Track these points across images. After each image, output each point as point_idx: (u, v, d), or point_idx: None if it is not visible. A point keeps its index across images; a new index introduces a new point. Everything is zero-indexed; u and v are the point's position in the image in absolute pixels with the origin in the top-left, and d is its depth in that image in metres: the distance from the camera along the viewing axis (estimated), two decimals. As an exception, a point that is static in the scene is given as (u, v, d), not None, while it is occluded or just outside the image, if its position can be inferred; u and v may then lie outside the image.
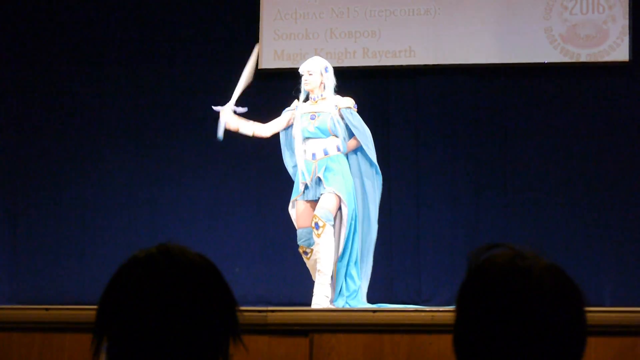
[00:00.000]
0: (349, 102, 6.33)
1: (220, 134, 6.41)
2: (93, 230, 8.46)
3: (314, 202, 6.22)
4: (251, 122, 6.48)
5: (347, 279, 6.20)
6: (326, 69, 6.36)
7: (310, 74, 6.32)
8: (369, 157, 6.32)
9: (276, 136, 6.61)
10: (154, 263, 1.50)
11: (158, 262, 1.50)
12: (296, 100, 6.44)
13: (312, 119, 6.27)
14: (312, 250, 6.21)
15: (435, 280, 8.09)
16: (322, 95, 6.32)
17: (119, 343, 1.48)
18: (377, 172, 6.37)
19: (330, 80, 6.35)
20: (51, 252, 8.44)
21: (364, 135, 6.31)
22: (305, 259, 6.32)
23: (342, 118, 6.30)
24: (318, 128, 6.24)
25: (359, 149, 6.37)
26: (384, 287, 7.84)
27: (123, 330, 1.48)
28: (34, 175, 8.59)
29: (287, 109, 6.47)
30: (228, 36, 8.61)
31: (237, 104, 6.49)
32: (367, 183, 6.35)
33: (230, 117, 6.43)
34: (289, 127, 6.45)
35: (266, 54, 8.49)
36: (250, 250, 8.32)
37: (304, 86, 6.34)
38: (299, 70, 6.40)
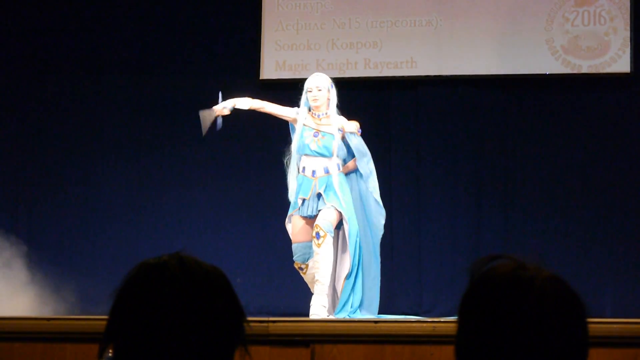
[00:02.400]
0: (354, 126, 6.29)
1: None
2: (93, 241, 8.46)
3: (310, 219, 6.22)
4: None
5: (352, 294, 6.20)
6: (332, 86, 6.34)
7: (319, 90, 6.27)
8: (372, 191, 6.31)
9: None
10: (167, 270, 1.51)
11: (171, 270, 1.51)
12: (299, 107, 6.36)
13: (316, 136, 6.24)
14: (307, 265, 6.23)
15: (436, 291, 8.09)
16: (326, 113, 6.29)
17: (127, 349, 1.49)
18: (380, 206, 6.33)
19: (334, 98, 6.32)
20: (53, 262, 8.44)
21: (363, 159, 6.29)
22: (302, 274, 6.33)
23: (343, 139, 6.29)
24: (323, 148, 6.22)
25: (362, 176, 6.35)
26: (386, 298, 7.81)
27: (132, 336, 1.48)
28: (34, 184, 8.59)
29: (293, 110, 6.36)
30: (230, 46, 8.63)
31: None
32: (369, 208, 6.33)
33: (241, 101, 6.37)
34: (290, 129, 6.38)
35: (268, 65, 8.50)
36: (252, 260, 8.32)
37: (312, 102, 6.26)
38: (306, 85, 6.31)
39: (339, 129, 6.25)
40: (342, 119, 6.30)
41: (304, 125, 6.27)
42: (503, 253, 1.48)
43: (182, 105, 8.62)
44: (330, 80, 6.34)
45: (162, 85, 8.63)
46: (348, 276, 6.18)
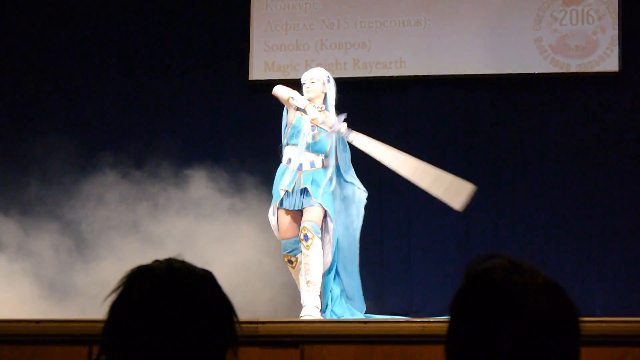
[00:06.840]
0: (344, 128, 6.27)
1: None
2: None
3: (295, 213, 6.20)
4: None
5: (331, 291, 6.20)
6: (328, 79, 6.34)
7: (312, 82, 6.28)
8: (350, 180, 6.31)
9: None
10: (158, 275, 1.52)
11: (161, 275, 1.52)
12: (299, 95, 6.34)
13: (313, 130, 6.23)
14: (297, 259, 6.22)
15: (426, 292, 8.08)
16: (322, 107, 6.28)
17: (119, 353, 1.50)
18: (355, 190, 6.33)
19: (332, 91, 6.32)
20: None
21: (345, 157, 6.30)
22: (290, 268, 6.31)
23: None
24: (318, 144, 6.21)
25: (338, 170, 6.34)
26: (375, 298, 7.82)
27: (125, 341, 1.49)
28: (26, 186, 8.57)
29: (288, 92, 6.33)
30: (219, 47, 8.62)
31: None
32: (348, 200, 6.34)
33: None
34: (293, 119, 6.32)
35: (257, 66, 8.49)
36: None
37: (306, 94, 6.28)
38: (301, 79, 6.34)
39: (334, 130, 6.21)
40: (339, 120, 6.22)
41: (302, 115, 6.24)
42: (499, 252, 1.48)
43: (172, 106, 8.61)
44: (327, 74, 6.36)
45: (151, 85, 8.61)
46: (327, 273, 6.17)
